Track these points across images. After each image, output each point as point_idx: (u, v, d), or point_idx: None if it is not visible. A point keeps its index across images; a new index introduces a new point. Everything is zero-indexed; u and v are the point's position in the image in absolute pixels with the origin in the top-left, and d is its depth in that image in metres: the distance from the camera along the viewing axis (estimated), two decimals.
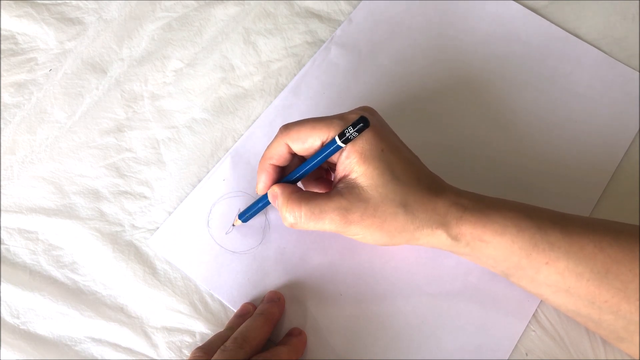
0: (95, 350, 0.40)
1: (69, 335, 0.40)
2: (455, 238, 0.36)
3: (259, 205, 0.41)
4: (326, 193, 0.36)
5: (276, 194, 0.37)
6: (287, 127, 0.37)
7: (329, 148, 0.36)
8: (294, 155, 0.38)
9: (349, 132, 0.35)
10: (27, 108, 0.47)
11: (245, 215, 0.42)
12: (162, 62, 0.49)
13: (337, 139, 0.35)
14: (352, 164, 0.35)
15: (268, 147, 0.38)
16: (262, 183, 0.39)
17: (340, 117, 0.36)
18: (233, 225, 0.43)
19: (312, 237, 0.42)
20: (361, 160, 0.35)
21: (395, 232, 0.36)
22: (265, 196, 0.39)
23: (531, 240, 0.35)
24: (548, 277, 0.35)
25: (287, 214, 0.36)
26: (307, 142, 0.36)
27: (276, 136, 0.38)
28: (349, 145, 0.35)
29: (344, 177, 0.36)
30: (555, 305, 0.37)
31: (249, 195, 0.44)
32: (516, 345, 0.39)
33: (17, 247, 0.43)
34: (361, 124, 0.34)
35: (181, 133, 0.47)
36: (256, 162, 0.45)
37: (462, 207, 0.36)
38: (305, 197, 0.36)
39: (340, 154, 0.36)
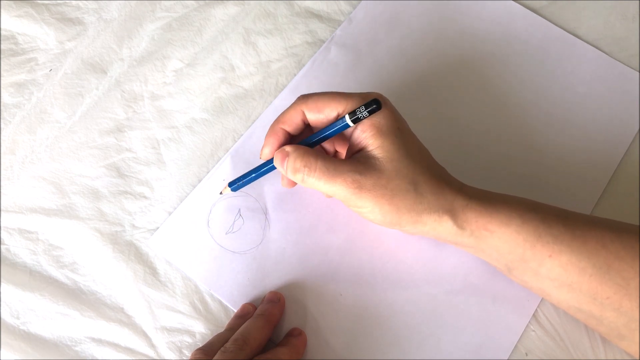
0: (96, 350, 0.40)
1: (69, 335, 0.40)
2: (460, 226, 0.36)
3: (253, 175, 0.40)
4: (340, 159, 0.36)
5: (287, 152, 0.37)
6: (305, 96, 0.37)
7: (344, 121, 0.36)
8: (306, 126, 0.38)
9: (360, 111, 0.35)
10: (27, 108, 0.47)
11: (237, 184, 0.41)
12: (162, 62, 0.49)
13: (361, 109, 0.35)
14: (367, 137, 0.36)
15: (283, 112, 0.38)
16: (270, 146, 0.38)
17: (359, 95, 0.36)
18: (220, 193, 0.42)
19: (312, 236, 0.42)
20: (378, 133, 0.35)
21: (404, 209, 0.36)
22: (262, 165, 0.39)
23: (535, 231, 0.35)
24: (551, 271, 0.35)
25: (301, 165, 0.36)
26: (324, 112, 0.37)
27: (293, 103, 0.38)
28: (367, 119, 0.36)
29: (359, 150, 0.36)
30: (557, 301, 0.37)
31: (249, 196, 0.44)
32: (516, 345, 0.39)
33: (17, 247, 0.43)
34: (374, 105, 0.35)
35: (181, 133, 0.47)
36: (256, 162, 0.45)
37: (468, 196, 0.36)
38: (321, 154, 0.36)
39: (355, 128, 0.36)
